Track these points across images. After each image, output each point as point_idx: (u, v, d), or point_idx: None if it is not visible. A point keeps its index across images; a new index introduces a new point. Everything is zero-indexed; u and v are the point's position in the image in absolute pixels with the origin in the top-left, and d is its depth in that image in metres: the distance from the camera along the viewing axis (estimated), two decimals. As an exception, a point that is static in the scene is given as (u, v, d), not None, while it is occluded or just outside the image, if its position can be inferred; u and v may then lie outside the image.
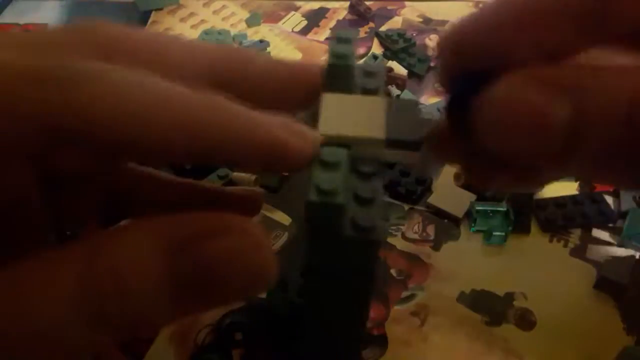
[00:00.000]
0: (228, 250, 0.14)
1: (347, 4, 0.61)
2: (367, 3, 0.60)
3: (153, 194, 0.22)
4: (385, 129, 0.19)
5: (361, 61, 0.53)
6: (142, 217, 0.15)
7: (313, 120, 0.19)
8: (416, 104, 0.21)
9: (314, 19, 0.59)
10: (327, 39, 0.57)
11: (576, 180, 0.41)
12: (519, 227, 0.38)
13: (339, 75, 0.21)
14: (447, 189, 0.41)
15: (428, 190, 0.41)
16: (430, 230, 0.39)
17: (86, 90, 0.14)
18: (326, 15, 0.60)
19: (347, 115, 0.19)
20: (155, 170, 0.23)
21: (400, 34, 0.55)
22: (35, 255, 0.14)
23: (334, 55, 0.21)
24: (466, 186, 0.41)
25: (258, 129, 0.16)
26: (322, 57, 0.54)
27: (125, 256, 0.14)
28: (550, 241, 0.38)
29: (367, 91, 0.21)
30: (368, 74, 0.22)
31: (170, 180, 0.23)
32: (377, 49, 0.55)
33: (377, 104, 0.20)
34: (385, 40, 0.55)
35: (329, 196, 0.16)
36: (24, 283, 0.14)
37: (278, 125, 0.17)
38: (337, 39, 0.22)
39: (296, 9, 0.61)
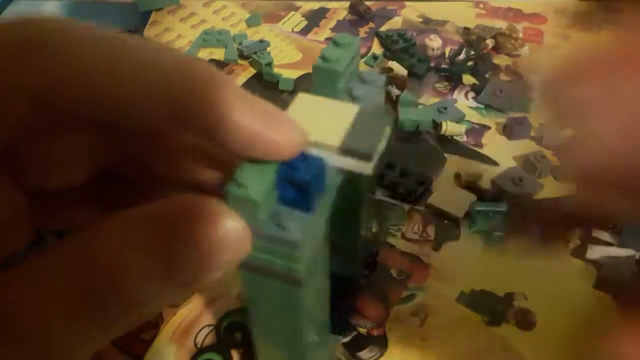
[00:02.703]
0: (214, 229, 0.14)
1: (347, 4, 0.61)
2: (367, 3, 0.60)
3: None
4: (344, 137, 0.19)
5: (361, 61, 0.53)
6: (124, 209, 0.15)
7: None
8: (385, 115, 0.20)
9: (314, 19, 0.59)
10: (327, 39, 0.57)
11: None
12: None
13: (323, 78, 0.21)
14: (447, 189, 0.41)
15: (428, 190, 0.41)
16: (430, 230, 0.39)
17: (54, 50, 0.14)
18: (326, 15, 0.60)
19: (311, 118, 0.19)
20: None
21: (400, 34, 0.55)
22: (26, 259, 0.14)
23: (322, 57, 0.21)
24: (466, 186, 0.41)
25: (241, 115, 0.16)
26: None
27: (113, 246, 0.14)
28: (550, 241, 0.38)
29: (354, 98, 0.21)
30: (364, 81, 0.22)
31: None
32: (377, 49, 0.55)
33: (346, 110, 0.20)
34: (385, 40, 0.55)
35: (244, 189, 0.17)
36: (11, 285, 0.13)
37: (261, 117, 0.16)
38: (334, 42, 0.22)
39: (296, 9, 0.61)
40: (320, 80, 0.21)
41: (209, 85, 0.15)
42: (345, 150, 0.18)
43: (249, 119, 0.16)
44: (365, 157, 0.18)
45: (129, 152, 0.19)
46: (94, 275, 0.13)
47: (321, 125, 0.19)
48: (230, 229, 0.15)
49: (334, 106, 0.20)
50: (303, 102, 0.20)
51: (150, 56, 0.15)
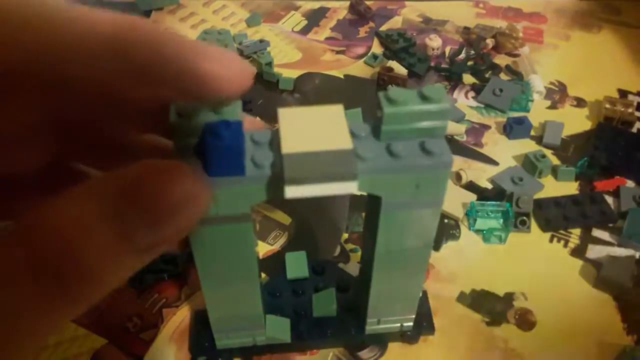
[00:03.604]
0: (165, 187, 0.15)
1: (347, 3, 0.61)
2: (367, 2, 0.60)
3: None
4: (306, 150, 0.19)
5: (361, 61, 0.53)
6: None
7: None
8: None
9: (314, 18, 0.59)
10: (326, 38, 0.56)
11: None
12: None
13: (382, 110, 0.21)
14: (447, 189, 0.41)
15: (428, 190, 0.41)
16: (430, 230, 0.39)
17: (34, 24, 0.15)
18: (326, 15, 0.60)
19: (308, 123, 0.20)
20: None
21: (400, 34, 0.55)
22: None
23: (387, 93, 0.21)
24: (466, 186, 0.41)
25: (191, 56, 0.16)
26: (321, 57, 0.54)
27: (70, 216, 0.14)
28: (550, 241, 0.38)
29: (391, 153, 0.21)
30: (424, 149, 0.21)
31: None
32: (377, 48, 0.55)
33: (341, 147, 0.20)
34: (385, 39, 0.55)
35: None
36: None
37: (213, 55, 0.17)
38: (420, 89, 0.21)
39: (296, 8, 0.61)
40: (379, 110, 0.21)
41: (161, 39, 0.16)
42: (285, 157, 0.19)
43: (209, 62, 0.16)
44: (282, 178, 0.19)
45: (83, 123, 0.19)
46: (51, 248, 0.13)
47: (304, 132, 0.20)
48: (188, 189, 0.15)
49: (335, 130, 0.20)
50: (327, 110, 0.21)
51: (89, 15, 0.16)
